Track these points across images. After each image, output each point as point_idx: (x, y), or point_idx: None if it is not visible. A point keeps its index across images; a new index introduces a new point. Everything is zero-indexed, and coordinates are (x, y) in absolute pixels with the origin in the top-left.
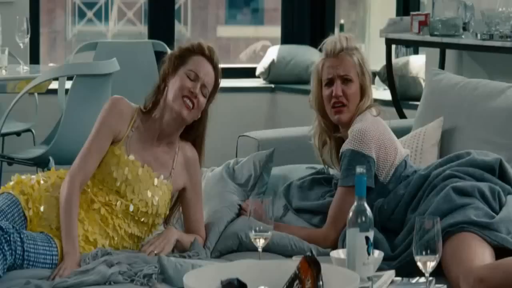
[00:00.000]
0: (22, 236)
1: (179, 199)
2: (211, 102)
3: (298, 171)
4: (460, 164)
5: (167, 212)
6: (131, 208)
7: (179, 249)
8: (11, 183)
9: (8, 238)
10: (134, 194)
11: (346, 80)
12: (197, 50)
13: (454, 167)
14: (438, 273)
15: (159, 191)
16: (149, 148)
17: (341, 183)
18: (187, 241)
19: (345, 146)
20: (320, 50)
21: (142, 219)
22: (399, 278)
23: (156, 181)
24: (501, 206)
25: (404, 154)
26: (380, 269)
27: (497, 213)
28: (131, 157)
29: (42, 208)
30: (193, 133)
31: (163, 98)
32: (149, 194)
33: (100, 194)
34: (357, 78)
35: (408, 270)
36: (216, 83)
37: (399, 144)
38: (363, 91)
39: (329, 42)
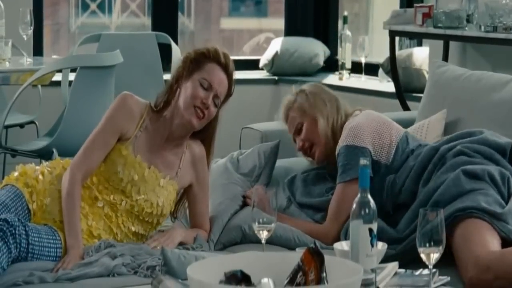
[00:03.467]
0: (27, 229)
1: (185, 194)
2: (222, 107)
3: (302, 163)
4: (472, 141)
5: (173, 209)
6: (136, 208)
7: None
8: (16, 174)
9: (13, 231)
10: (140, 194)
11: (298, 131)
12: (213, 57)
13: (465, 143)
14: (440, 265)
15: (164, 191)
16: (157, 150)
17: (339, 180)
18: (191, 241)
19: (339, 145)
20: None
21: (147, 219)
22: (402, 270)
23: (162, 181)
24: (509, 192)
25: (402, 131)
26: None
27: (505, 199)
28: (138, 158)
29: (46, 201)
30: (202, 134)
31: (175, 99)
32: (155, 195)
33: (105, 192)
34: (306, 117)
35: (414, 254)
36: (229, 91)
37: (394, 124)
38: (317, 119)
39: None
